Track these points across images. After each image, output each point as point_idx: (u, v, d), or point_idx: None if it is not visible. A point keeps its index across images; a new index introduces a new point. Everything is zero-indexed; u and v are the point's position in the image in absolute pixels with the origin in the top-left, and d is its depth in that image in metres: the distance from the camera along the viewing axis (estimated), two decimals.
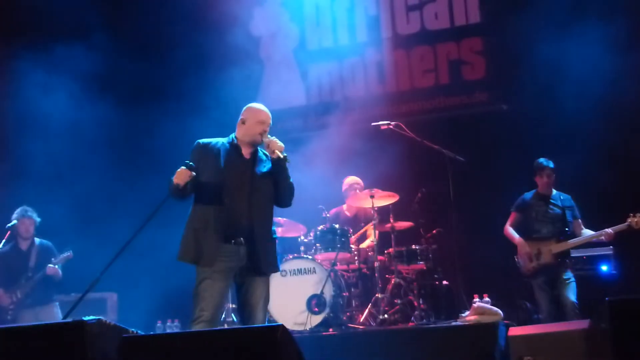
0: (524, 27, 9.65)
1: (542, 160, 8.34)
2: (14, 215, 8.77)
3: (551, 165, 8.28)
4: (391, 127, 8.69)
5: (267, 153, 5.94)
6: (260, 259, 5.72)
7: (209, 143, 5.93)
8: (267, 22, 11.16)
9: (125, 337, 4.28)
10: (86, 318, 4.15)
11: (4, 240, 8.50)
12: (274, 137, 5.86)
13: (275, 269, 5.98)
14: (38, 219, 8.85)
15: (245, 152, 5.88)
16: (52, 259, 8.71)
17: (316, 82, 10.94)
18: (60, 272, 8.65)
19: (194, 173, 5.65)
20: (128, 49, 10.80)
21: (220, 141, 5.94)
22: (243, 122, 5.94)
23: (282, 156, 5.75)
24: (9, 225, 8.67)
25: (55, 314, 8.72)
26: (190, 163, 5.67)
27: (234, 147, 5.88)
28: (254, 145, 5.91)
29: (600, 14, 9.21)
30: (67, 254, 8.64)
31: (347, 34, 10.96)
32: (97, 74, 10.29)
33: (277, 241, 6.03)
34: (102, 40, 10.48)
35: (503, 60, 10.11)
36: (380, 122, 8.74)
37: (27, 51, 10.06)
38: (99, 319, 4.22)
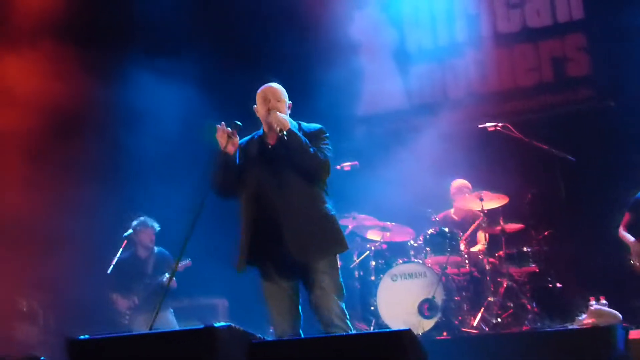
0: (629, 20, 9.45)
1: None
2: (135, 225, 9.03)
3: None
4: (498, 128, 8.58)
5: (305, 128, 5.51)
6: (296, 247, 5.18)
7: (243, 142, 5.59)
8: (367, 26, 11.13)
9: (255, 342, 4.30)
10: (217, 324, 4.19)
11: (121, 249, 8.74)
12: (276, 112, 5.39)
13: (329, 250, 5.34)
14: (158, 228, 9.10)
15: (272, 139, 5.48)
16: (166, 264, 8.94)
17: (417, 83, 10.89)
18: (175, 281, 8.83)
19: (234, 132, 5.32)
20: (230, 55, 10.96)
21: (255, 135, 5.63)
22: (256, 111, 5.60)
23: (279, 132, 5.28)
24: (126, 234, 8.93)
25: (169, 320, 8.93)
26: (237, 122, 5.40)
27: (259, 138, 5.56)
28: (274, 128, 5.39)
29: None
30: (186, 261, 8.81)
31: (446, 34, 10.89)
32: (203, 79, 10.44)
33: (332, 218, 5.38)
34: (206, 47, 10.71)
35: (608, 55, 9.89)
36: (487, 124, 8.64)
37: (136, 58, 10.31)
38: (229, 325, 4.25)
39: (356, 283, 9.05)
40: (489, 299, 8.29)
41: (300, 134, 5.31)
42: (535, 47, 10.38)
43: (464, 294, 8.55)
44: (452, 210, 9.41)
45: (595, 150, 9.35)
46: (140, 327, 8.64)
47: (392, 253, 9.08)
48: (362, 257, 9.09)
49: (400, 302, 8.35)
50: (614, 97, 9.74)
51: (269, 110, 5.42)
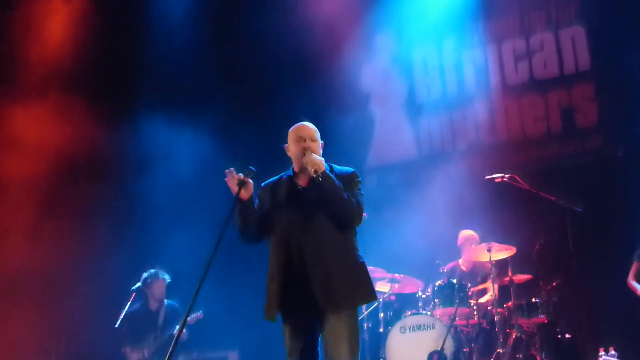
0: (636, 70, 9.54)
1: None
2: (147, 277, 9.09)
3: None
4: (505, 179, 8.61)
5: (337, 171, 5.30)
6: (325, 296, 4.99)
7: (270, 182, 5.45)
8: (377, 78, 11.33)
9: None
10: None
11: (129, 302, 8.80)
12: (312, 154, 5.16)
13: (356, 301, 5.21)
14: (169, 280, 9.17)
15: (303, 181, 5.30)
16: (176, 317, 8.99)
17: (427, 134, 11.02)
18: (186, 333, 8.87)
19: (249, 179, 5.11)
20: (243, 104, 11.13)
21: (283, 176, 5.43)
22: (288, 150, 5.41)
23: (314, 174, 5.03)
24: (135, 287, 8.98)
25: None
26: (251, 167, 5.20)
27: (289, 180, 5.34)
28: (307, 170, 5.16)
29: None
30: (198, 314, 8.86)
31: (455, 86, 11.02)
32: (217, 128, 10.58)
33: (363, 267, 5.22)
34: (220, 95, 10.90)
35: (616, 105, 9.94)
36: (494, 175, 8.67)
37: (149, 106, 10.50)
38: None
39: (365, 335, 9.04)
40: (498, 350, 8.28)
41: (334, 178, 5.11)
42: (543, 97, 10.47)
43: (473, 345, 8.56)
44: (460, 261, 9.45)
45: (604, 200, 9.36)
46: None
47: (400, 304, 9.12)
48: (371, 308, 9.10)
49: (410, 354, 8.37)
50: (622, 147, 9.77)
51: (303, 150, 5.22)
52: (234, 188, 5.12)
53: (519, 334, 8.44)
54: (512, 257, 8.68)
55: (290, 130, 5.41)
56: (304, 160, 5.15)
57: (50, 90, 10.58)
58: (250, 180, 5.15)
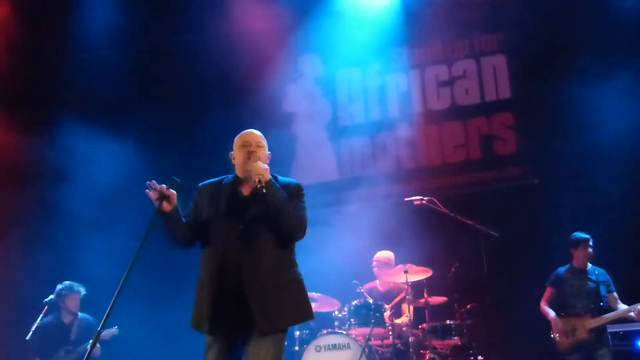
0: (555, 101, 9.80)
1: (580, 233, 8.39)
2: (61, 289, 8.87)
3: (590, 238, 8.31)
4: (424, 202, 8.70)
5: (285, 183, 5.06)
6: (260, 313, 4.71)
7: (208, 184, 5.14)
8: (301, 98, 11.35)
9: None
10: None
11: (41, 315, 8.56)
12: (257, 160, 4.93)
13: (292, 319, 4.94)
14: (84, 292, 8.96)
15: (246, 189, 4.99)
16: (90, 331, 8.76)
17: (348, 157, 11.05)
18: (99, 349, 8.66)
19: (172, 191, 4.82)
20: (165, 119, 11.03)
21: (224, 179, 5.12)
22: (233, 157, 5.12)
23: (258, 184, 4.74)
24: (47, 300, 8.75)
25: None
26: (175, 178, 4.92)
27: (231, 185, 5.02)
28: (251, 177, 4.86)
29: (631, 89, 9.32)
30: (113, 329, 8.67)
31: (378, 110, 11.10)
32: (137, 141, 10.41)
33: (300, 284, 4.99)
34: (139, 111, 10.79)
35: (534, 134, 10.18)
36: (413, 197, 8.76)
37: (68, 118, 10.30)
38: None
39: None
40: None
41: (280, 187, 4.86)
42: (464, 124, 10.63)
43: None
44: (377, 282, 9.46)
45: (520, 226, 9.54)
46: None
47: (317, 323, 9.04)
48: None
49: None
50: (540, 175, 9.97)
51: (248, 156, 4.98)
52: (155, 201, 4.83)
53: (432, 356, 8.46)
54: (428, 279, 8.74)
55: (236, 137, 5.17)
56: (247, 167, 4.90)
57: None
58: (174, 192, 4.87)
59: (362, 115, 11.18)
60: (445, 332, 8.61)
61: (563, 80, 9.71)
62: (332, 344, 8.41)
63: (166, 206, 4.83)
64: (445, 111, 10.75)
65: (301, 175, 11.04)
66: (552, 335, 8.27)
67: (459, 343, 8.60)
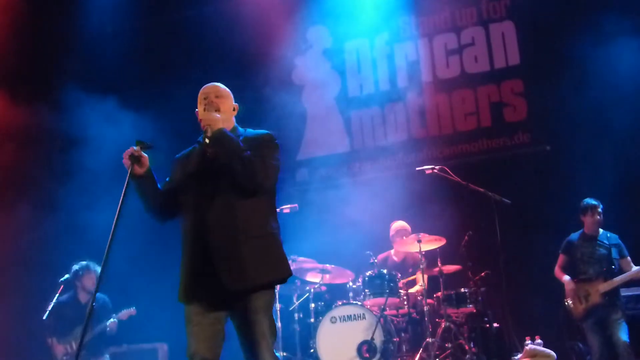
0: (564, 66, 9.74)
1: (589, 200, 8.38)
2: (78, 269, 8.89)
3: (599, 205, 8.30)
4: (435, 171, 8.69)
5: (253, 134, 4.83)
6: (233, 273, 4.49)
7: (181, 154, 4.99)
8: (309, 71, 11.30)
9: None
10: None
11: (57, 295, 8.59)
12: (211, 111, 4.68)
13: (266, 276, 4.58)
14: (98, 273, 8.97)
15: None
16: (114, 314, 8.82)
17: (359, 128, 11.03)
18: (116, 325, 8.75)
19: (142, 153, 4.66)
20: (172, 89, 10.97)
21: (195, 145, 4.89)
22: (197, 115, 4.84)
23: (207, 136, 4.57)
24: (63, 279, 8.76)
25: None
26: (143, 140, 4.72)
27: (200, 146, 4.78)
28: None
29: None
30: (131, 309, 8.73)
31: (388, 80, 11.05)
32: (144, 113, 10.37)
33: (273, 239, 4.69)
34: (144, 82, 10.78)
35: (544, 100, 10.11)
36: (425, 167, 8.75)
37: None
38: None
39: (296, 325, 9.06)
40: (428, 339, 8.34)
41: (232, 135, 4.58)
42: (473, 92, 10.58)
43: (402, 335, 8.62)
44: (392, 252, 9.50)
45: (531, 193, 9.53)
46: None
47: (331, 295, 9.14)
48: (302, 299, 9.12)
49: (340, 344, 8.38)
50: (550, 142, 9.95)
51: (205, 108, 4.74)
52: (127, 163, 4.65)
53: (448, 324, 8.52)
54: (441, 248, 8.79)
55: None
56: (200, 118, 4.69)
57: None
58: (145, 154, 4.68)
59: (371, 85, 11.13)
60: (460, 300, 8.65)
61: (572, 44, 9.61)
62: (347, 315, 8.48)
63: (137, 169, 4.67)
64: (454, 79, 10.68)
65: (312, 147, 11.09)
66: (566, 302, 8.30)
67: (474, 310, 8.66)
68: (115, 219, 4.61)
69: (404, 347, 8.56)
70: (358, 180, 10.46)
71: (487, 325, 8.68)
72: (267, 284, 4.63)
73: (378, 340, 8.23)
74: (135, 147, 4.68)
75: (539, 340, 7.93)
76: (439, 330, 8.52)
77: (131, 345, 9.71)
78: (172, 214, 4.88)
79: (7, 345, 9.49)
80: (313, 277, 9.22)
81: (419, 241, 8.64)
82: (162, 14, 11.45)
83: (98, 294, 8.90)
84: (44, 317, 8.44)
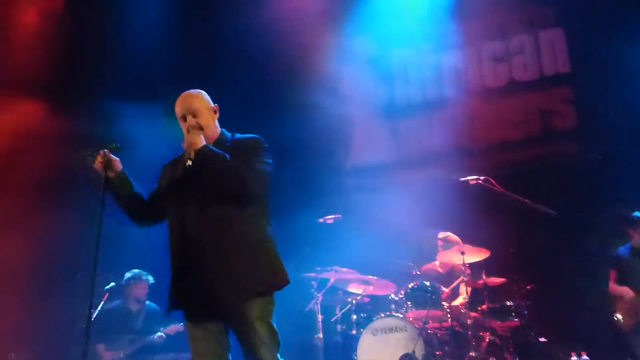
0: (615, 74, 9.51)
1: (638, 213, 8.15)
2: (129, 278, 8.92)
3: None
4: (480, 181, 8.54)
5: (240, 140, 4.85)
6: (224, 284, 4.45)
7: (169, 162, 5.02)
8: (356, 80, 11.25)
9: None
10: None
11: (102, 302, 8.65)
12: (191, 133, 4.67)
13: (258, 285, 4.53)
14: (152, 281, 9.03)
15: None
16: (162, 327, 8.82)
17: (405, 137, 10.94)
18: (164, 338, 8.78)
19: (112, 156, 4.69)
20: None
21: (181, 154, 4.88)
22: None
23: (188, 158, 4.57)
24: (109, 287, 8.79)
25: None
26: (114, 142, 4.78)
27: (182, 157, 4.79)
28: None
29: None
30: (178, 325, 8.71)
31: (435, 88, 10.95)
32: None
33: (265, 246, 4.65)
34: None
35: (594, 108, 9.90)
36: (469, 177, 8.59)
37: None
38: None
39: (338, 337, 9.02)
40: (471, 353, 8.19)
41: (217, 151, 4.57)
42: (522, 100, 10.40)
43: (446, 348, 8.47)
44: (436, 263, 9.36)
45: (580, 203, 9.30)
46: None
47: (373, 307, 9.06)
48: (344, 310, 9.06)
49: (381, 357, 8.27)
50: (601, 150, 9.71)
51: (187, 131, 4.74)
52: (98, 167, 4.69)
53: (492, 338, 8.36)
54: (486, 261, 8.63)
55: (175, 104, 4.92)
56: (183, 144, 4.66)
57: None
58: (116, 158, 4.73)
59: (418, 94, 11.04)
60: (505, 314, 8.48)
61: (624, 51, 9.40)
62: (388, 327, 8.38)
63: (109, 174, 4.71)
64: (502, 87, 10.54)
65: (358, 157, 11.04)
66: (615, 317, 8.09)
67: (519, 324, 8.47)
68: (97, 226, 4.65)
69: None
70: (403, 189, 10.34)
71: (533, 340, 8.49)
72: (261, 293, 4.57)
73: (419, 353, 8.11)
74: (105, 151, 4.70)
75: (585, 357, 7.76)
76: (483, 344, 8.35)
77: (178, 353, 9.73)
78: (154, 219, 4.90)
79: (51, 350, 9.59)
80: (355, 289, 9.15)
81: (463, 253, 8.51)
82: (205, 24, 11.48)
83: (150, 303, 9.03)
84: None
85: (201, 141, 4.57)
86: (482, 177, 8.54)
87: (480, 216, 9.19)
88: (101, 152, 4.67)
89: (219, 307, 4.51)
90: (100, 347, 8.82)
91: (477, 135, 10.57)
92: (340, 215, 8.98)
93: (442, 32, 10.87)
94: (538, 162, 10.13)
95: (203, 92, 4.94)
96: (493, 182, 8.51)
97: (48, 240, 9.99)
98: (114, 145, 4.74)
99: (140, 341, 8.80)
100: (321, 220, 8.96)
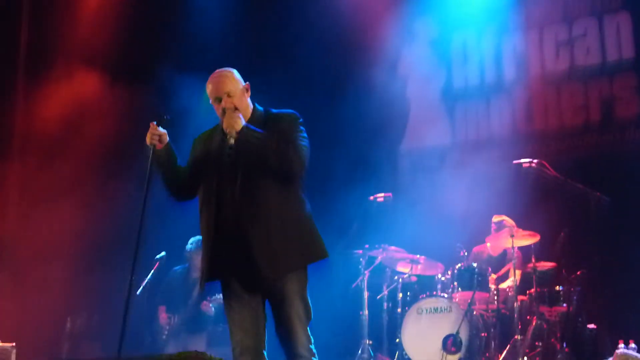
0: None
1: None
2: (191, 245, 9.03)
3: None
4: (533, 165, 8.44)
5: (274, 116, 4.83)
6: (266, 258, 4.51)
7: (203, 135, 4.98)
8: (415, 62, 11.18)
9: None
10: (185, 351, 4.08)
11: (152, 271, 8.78)
12: (230, 113, 4.63)
13: (300, 260, 4.63)
14: None
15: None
16: (208, 297, 8.89)
17: (462, 121, 10.84)
18: (212, 309, 8.82)
19: (155, 126, 4.68)
20: (275, 82, 11.03)
21: (216, 129, 4.90)
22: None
23: (231, 137, 4.56)
24: (159, 256, 8.91)
25: (202, 345, 8.88)
26: (164, 115, 4.76)
27: (221, 133, 4.75)
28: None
29: None
30: (219, 296, 8.82)
31: (494, 72, 10.81)
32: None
33: (306, 222, 4.71)
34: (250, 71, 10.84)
35: None
36: (522, 160, 8.51)
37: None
38: (202, 352, 4.09)
39: (384, 315, 9.03)
40: (517, 337, 8.13)
41: (257, 130, 4.57)
42: (583, 86, 10.19)
43: (491, 330, 8.43)
44: (488, 245, 9.27)
45: (635, 193, 9.10)
46: (176, 346, 8.66)
47: (420, 286, 9.03)
48: (390, 288, 9.08)
49: (425, 336, 8.31)
50: None
51: (222, 111, 4.70)
52: (147, 138, 4.70)
53: (539, 322, 8.26)
54: (536, 245, 8.52)
55: (206, 84, 4.84)
56: (223, 125, 4.65)
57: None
58: (164, 130, 4.72)
59: (477, 77, 10.91)
60: (554, 299, 8.38)
61: None
62: (434, 307, 8.40)
63: (157, 144, 4.71)
64: (563, 72, 10.31)
65: (415, 137, 11.00)
66: None
67: (568, 310, 8.35)
68: (143, 199, 4.69)
69: (492, 343, 8.36)
70: (457, 172, 10.25)
71: (581, 326, 8.37)
72: (300, 267, 4.66)
73: (464, 334, 8.10)
74: (154, 122, 4.70)
75: (632, 345, 7.57)
76: (530, 328, 8.26)
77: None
78: (190, 194, 4.91)
79: (106, 316, 9.80)
80: (403, 267, 9.15)
81: (512, 236, 8.43)
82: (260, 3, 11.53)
83: None
84: (137, 293, 8.65)
85: (241, 122, 4.57)
86: (535, 161, 8.46)
87: (533, 200, 9.10)
88: (152, 125, 4.68)
89: (259, 281, 4.59)
90: (162, 309, 9.00)
91: (534, 119, 10.40)
92: (390, 194, 8.99)
93: (504, 14, 10.69)
94: (598, 149, 9.90)
95: (235, 71, 4.87)
96: (546, 165, 8.41)
97: (104, 208, 10.23)
98: (164, 117, 4.74)
99: (193, 309, 8.91)
100: (371, 198, 8.98)
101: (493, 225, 9.15)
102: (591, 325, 8.36)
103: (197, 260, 8.82)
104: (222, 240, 4.63)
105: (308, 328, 4.65)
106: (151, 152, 4.68)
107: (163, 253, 8.99)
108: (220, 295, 8.55)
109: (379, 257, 8.97)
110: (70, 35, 11.03)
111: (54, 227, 10.25)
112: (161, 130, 4.70)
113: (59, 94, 10.69)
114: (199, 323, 8.95)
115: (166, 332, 8.91)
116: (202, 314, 8.89)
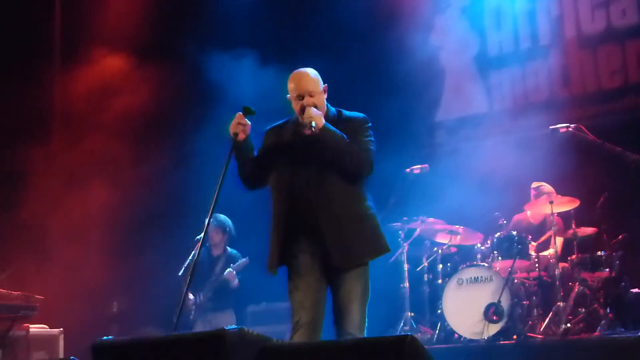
0: None
1: None
2: (207, 225, 9.11)
3: None
4: (571, 129, 8.33)
5: (346, 118, 5.10)
6: (337, 249, 4.81)
7: (275, 127, 5.23)
8: (448, 30, 11.06)
9: (265, 347, 4.08)
10: (228, 327, 4.17)
11: (192, 252, 8.86)
12: (311, 110, 4.88)
13: (366, 254, 4.95)
14: (228, 228, 9.15)
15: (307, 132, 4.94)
16: (231, 264, 8.99)
17: (498, 88, 10.72)
18: (236, 279, 8.86)
19: (241, 116, 4.93)
20: (304, 54, 10.96)
21: (288, 122, 5.22)
22: (290, 99, 5.13)
23: (312, 130, 4.80)
24: (198, 237, 8.98)
25: (231, 322, 8.98)
26: (249, 107, 4.96)
27: (294, 125, 5.10)
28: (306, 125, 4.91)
29: None
30: (244, 260, 8.89)
31: (529, 38, 10.63)
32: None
33: (372, 218, 5.01)
34: (282, 43, 10.91)
35: None
36: (559, 125, 8.40)
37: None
38: (240, 328, 4.18)
39: (425, 287, 9.05)
40: (559, 304, 8.06)
41: (336, 131, 4.85)
42: (621, 47, 10.02)
43: (533, 298, 8.37)
44: (528, 213, 9.20)
45: None
46: (203, 325, 8.81)
47: (460, 257, 9.02)
48: (430, 259, 9.08)
49: (466, 306, 8.27)
50: None
51: (302, 108, 4.95)
52: (232, 127, 4.96)
53: (581, 288, 8.19)
54: (576, 210, 8.45)
55: (288, 80, 5.09)
56: (303, 119, 4.91)
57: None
58: (248, 122, 4.98)
59: (511, 44, 10.74)
60: (595, 264, 8.30)
61: None
62: (474, 277, 8.36)
63: (240, 135, 4.97)
64: (600, 34, 10.14)
65: (450, 108, 10.93)
66: None
67: (610, 275, 8.27)
68: (219, 185, 4.90)
69: (534, 310, 8.31)
70: (494, 140, 10.17)
71: (624, 291, 8.28)
72: (368, 259, 5.00)
73: (505, 303, 8.06)
74: (240, 113, 4.96)
75: None
76: (572, 295, 8.19)
77: (270, 303, 9.91)
78: (262, 183, 5.19)
79: (150, 298, 9.94)
80: (442, 238, 9.14)
81: (551, 202, 8.36)
82: None
83: (232, 250, 9.22)
84: (180, 273, 8.74)
85: (322, 121, 4.86)
86: (572, 125, 8.34)
87: (571, 165, 8.99)
88: (238, 115, 4.96)
89: (329, 270, 4.91)
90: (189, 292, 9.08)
91: (572, 84, 10.24)
92: (427, 165, 8.98)
93: None
94: (635, 111, 9.75)
95: (316, 72, 5.11)
96: (584, 129, 8.29)
97: (139, 188, 10.34)
98: (249, 109, 4.96)
99: (215, 283, 8.95)
100: (408, 170, 8.96)
101: (532, 191, 9.07)
102: (635, 290, 8.28)
103: (212, 237, 8.93)
104: (294, 228, 4.94)
105: (365, 311, 4.94)
106: (233, 140, 4.94)
107: (202, 234, 9.01)
108: (245, 260, 8.68)
109: (418, 229, 8.99)
110: (102, 18, 11.18)
111: (90, 209, 10.43)
112: (246, 120, 4.96)
113: (93, 75, 10.85)
114: (224, 300, 9.03)
115: (194, 312, 9.00)
116: (227, 291, 8.92)
